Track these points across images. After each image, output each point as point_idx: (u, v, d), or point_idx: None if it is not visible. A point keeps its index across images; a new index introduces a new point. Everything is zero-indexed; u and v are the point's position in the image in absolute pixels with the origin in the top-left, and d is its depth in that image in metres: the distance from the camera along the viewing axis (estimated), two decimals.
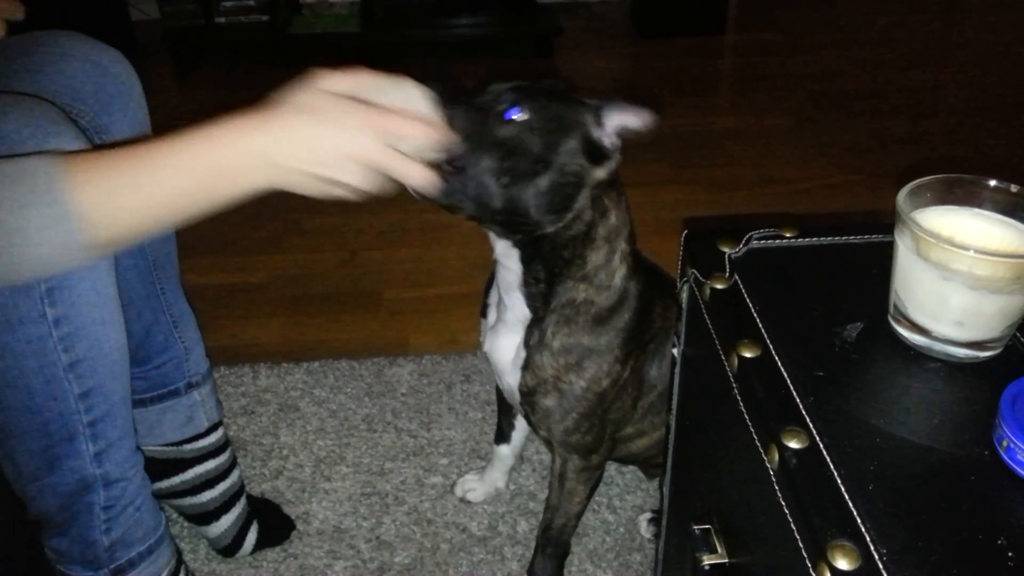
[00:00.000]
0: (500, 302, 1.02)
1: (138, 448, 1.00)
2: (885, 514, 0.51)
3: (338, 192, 0.74)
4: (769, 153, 2.31)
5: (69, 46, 0.96)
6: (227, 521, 1.21)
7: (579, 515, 1.13)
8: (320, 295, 1.80)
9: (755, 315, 0.67)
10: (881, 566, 0.48)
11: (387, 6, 2.90)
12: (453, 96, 0.83)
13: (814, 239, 0.76)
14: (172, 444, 1.15)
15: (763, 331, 0.66)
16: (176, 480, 1.17)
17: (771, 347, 0.64)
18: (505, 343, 1.02)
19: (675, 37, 2.98)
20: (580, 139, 0.88)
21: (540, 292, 0.96)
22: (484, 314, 1.08)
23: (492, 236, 0.94)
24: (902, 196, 0.63)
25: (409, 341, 1.66)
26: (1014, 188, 0.64)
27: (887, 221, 0.68)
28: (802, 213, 2.01)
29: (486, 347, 1.06)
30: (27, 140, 0.78)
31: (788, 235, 0.77)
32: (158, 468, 1.16)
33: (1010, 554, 0.49)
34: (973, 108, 2.56)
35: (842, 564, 0.49)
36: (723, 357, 0.67)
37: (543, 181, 0.86)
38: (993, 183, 0.65)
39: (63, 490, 0.93)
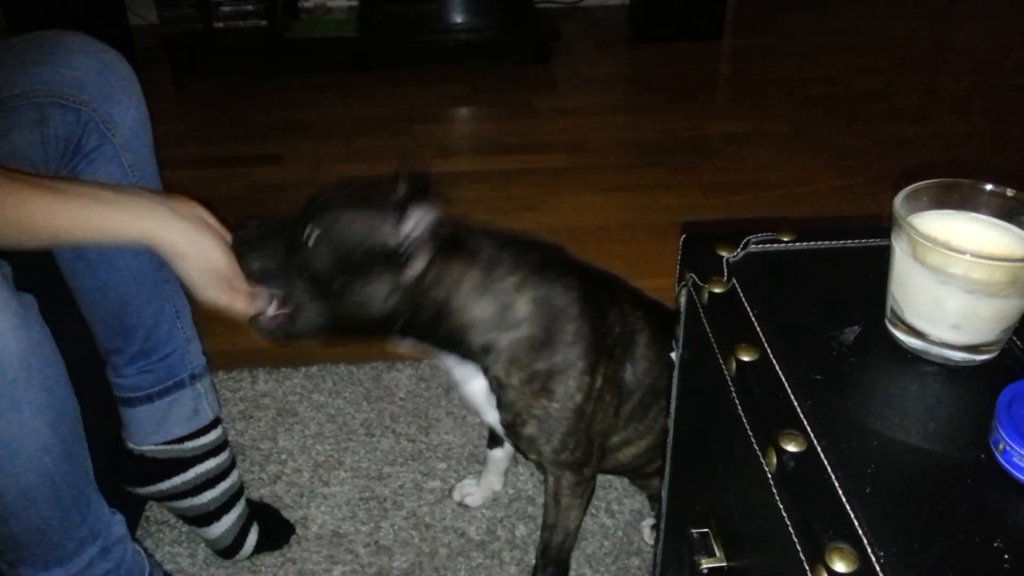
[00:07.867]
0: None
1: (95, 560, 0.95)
2: (882, 517, 0.52)
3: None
4: (766, 157, 2.32)
5: (72, 42, 0.99)
6: (228, 521, 1.21)
7: (577, 529, 1.13)
8: None
9: (753, 319, 0.68)
10: (878, 568, 0.49)
11: (385, 11, 2.90)
12: (256, 237, 0.90)
13: (811, 243, 0.77)
14: (175, 441, 1.16)
15: (761, 335, 0.66)
16: (177, 480, 1.17)
17: (769, 351, 0.64)
18: (473, 388, 1.03)
19: (672, 42, 2.98)
20: (369, 250, 0.88)
21: (463, 352, 0.97)
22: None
23: None
24: (899, 200, 0.63)
25: None
26: (1010, 192, 0.64)
27: (884, 225, 0.68)
28: (799, 217, 2.01)
29: (461, 392, 1.06)
30: None
31: (786, 239, 0.77)
32: (159, 469, 1.16)
33: (1006, 556, 0.49)
34: (970, 112, 2.57)
35: (839, 567, 0.49)
36: (721, 361, 0.67)
37: (347, 297, 0.88)
38: (990, 187, 0.65)
39: None
